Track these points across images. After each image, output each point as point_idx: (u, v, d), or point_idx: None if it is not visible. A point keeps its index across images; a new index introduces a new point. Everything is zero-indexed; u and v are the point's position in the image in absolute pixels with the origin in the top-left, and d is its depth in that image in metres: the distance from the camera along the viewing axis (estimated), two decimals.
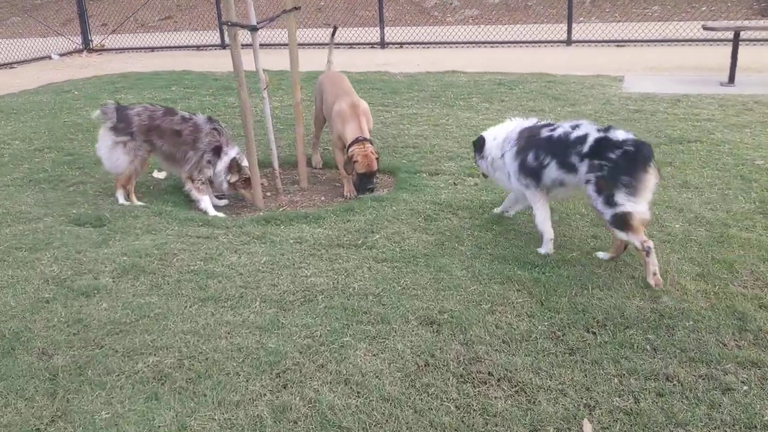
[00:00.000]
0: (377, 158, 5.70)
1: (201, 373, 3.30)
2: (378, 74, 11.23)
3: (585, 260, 4.30)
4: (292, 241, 4.80)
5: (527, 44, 14.22)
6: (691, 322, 3.55)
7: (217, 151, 5.62)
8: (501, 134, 4.78)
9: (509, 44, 14.37)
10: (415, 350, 3.42)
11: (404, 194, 5.60)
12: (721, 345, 3.36)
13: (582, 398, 3.02)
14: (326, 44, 6.96)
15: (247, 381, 3.23)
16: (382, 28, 15.13)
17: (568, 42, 13.88)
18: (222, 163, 5.61)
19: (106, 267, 4.48)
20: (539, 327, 3.59)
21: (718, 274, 4.04)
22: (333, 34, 6.89)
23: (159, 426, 2.95)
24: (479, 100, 8.98)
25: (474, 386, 3.14)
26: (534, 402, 3.01)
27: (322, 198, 5.89)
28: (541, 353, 3.36)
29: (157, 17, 21.45)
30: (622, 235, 4.07)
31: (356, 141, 5.64)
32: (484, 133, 4.97)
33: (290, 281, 4.20)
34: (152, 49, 16.52)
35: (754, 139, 6.64)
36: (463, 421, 2.91)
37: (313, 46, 13.65)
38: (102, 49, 16.72)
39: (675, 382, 3.09)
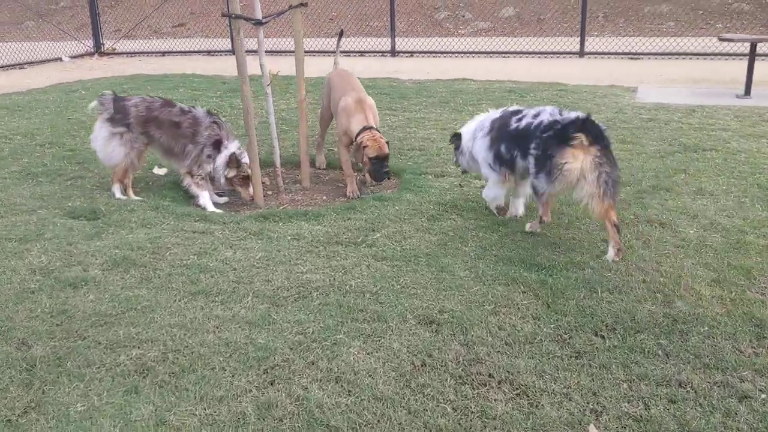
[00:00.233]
0: (387, 143, 5.53)
1: (185, 367, 3.13)
2: (387, 80, 11.10)
3: (594, 263, 4.11)
4: (289, 238, 4.63)
5: (539, 55, 14.08)
6: (706, 328, 3.35)
7: (217, 145, 5.45)
8: (472, 126, 5.04)
9: (521, 54, 14.23)
10: (412, 350, 3.24)
11: (408, 194, 5.43)
12: (737, 352, 3.15)
13: (588, 403, 2.83)
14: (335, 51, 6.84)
15: (232, 376, 3.06)
16: (392, 37, 15.04)
17: (581, 54, 13.72)
18: (221, 157, 5.43)
19: (96, 259, 4.33)
20: (545, 329, 3.40)
21: (735, 281, 3.84)
22: (339, 37, 6.83)
23: (135, 420, 2.77)
24: (489, 107, 8.79)
25: (473, 388, 2.95)
26: (537, 406, 2.82)
27: (324, 198, 5.72)
28: (546, 356, 3.17)
29: (170, 24, 21.48)
30: (534, 197, 4.60)
31: (364, 129, 5.50)
32: (462, 130, 5.15)
33: (285, 277, 4.03)
34: (163, 53, 16.49)
35: None
36: (460, 424, 2.72)
37: (322, 54, 13.59)
38: (113, 53, 16.71)
39: (688, 389, 2.89)
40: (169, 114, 5.45)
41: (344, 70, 6.45)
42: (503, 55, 14.34)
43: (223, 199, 5.74)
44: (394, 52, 14.99)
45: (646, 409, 2.78)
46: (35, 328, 3.50)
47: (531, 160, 4.38)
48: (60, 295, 3.86)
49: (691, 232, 4.55)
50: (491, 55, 14.44)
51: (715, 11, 17.40)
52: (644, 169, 5.88)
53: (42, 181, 6.07)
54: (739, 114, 7.95)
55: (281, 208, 5.42)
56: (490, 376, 3.03)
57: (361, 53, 15.08)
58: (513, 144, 4.58)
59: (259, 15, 5.42)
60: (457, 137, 5.19)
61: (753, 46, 9.13)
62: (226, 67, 13.05)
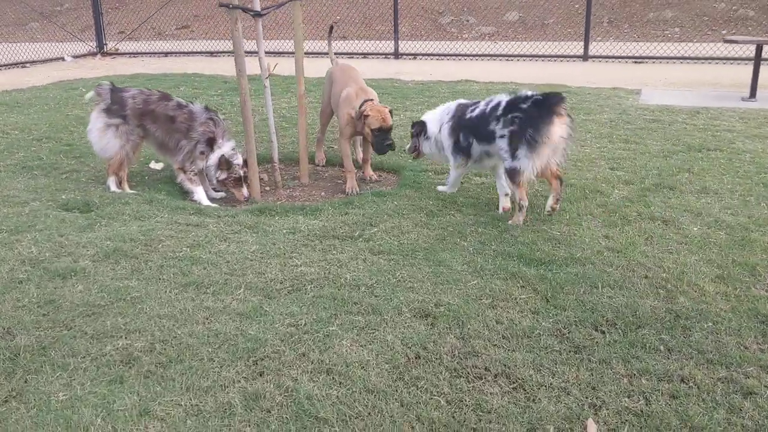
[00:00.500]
0: (390, 111, 5.46)
1: (172, 358, 3.04)
2: (390, 81, 11.03)
3: (595, 259, 4.01)
4: (285, 231, 4.54)
5: (543, 58, 14.00)
6: (710, 324, 3.25)
7: (211, 143, 5.31)
8: (438, 113, 5.20)
9: (524, 57, 14.16)
10: (407, 342, 3.14)
11: (407, 190, 5.34)
12: (742, 348, 3.06)
13: (587, 397, 2.73)
14: (337, 54, 6.76)
15: (220, 367, 2.97)
16: (396, 39, 14.98)
17: (585, 57, 13.64)
18: (213, 158, 5.29)
19: (87, 250, 4.24)
20: (543, 324, 3.30)
21: (740, 277, 3.74)
22: (330, 32, 6.74)
23: (118, 409, 2.68)
24: None
25: (468, 381, 2.86)
26: (533, 399, 2.72)
27: (323, 194, 5.63)
28: (544, 350, 3.08)
29: (174, 26, 21.47)
30: (510, 186, 4.68)
31: (365, 101, 5.44)
32: (424, 118, 5.33)
33: (279, 270, 3.94)
34: (165, 54, 16.46)
35: None
36: (453, 417, 2.63)
37: (324, 55, 13.52)
38: (116, 53, 16.68)
39: (691, 384, 2.79)
40: (165, 108, 5.35)
41: (346, 65, 6.37)
42: (507, 58, 14.27)
43: (220, 194, 5.64)
44: (397, 55, 14.93)
45: (646, 404, 2.68)
46: (21, 317, 3.42)
47: (502, 142, 4.58)
48: (48, 285, 3.78)
49: (695, 229, 4.45)
50: (495, 58, 14.37)
51: (720, 17, 17.32)
52: (647, 168, 5.79)
53: (37, 174, 5.99)
54: (744, 116, 7.85)
55: (278, 203, 5.33)
56: (486, 369, 2.94)
57: (365, 55, 15.02)
58: (471, 131, 4.87)
59: (257, 6, 5.34)
60: (420, 124, 5.33)
61: (759, 49, 9.03)
62: (228, 67, 12.98)
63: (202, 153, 5.31)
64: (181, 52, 16.44)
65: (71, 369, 2.98)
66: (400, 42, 15.10)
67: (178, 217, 4.85)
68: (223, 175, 5.32)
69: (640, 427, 2.55)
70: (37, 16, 22.11)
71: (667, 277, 3.76)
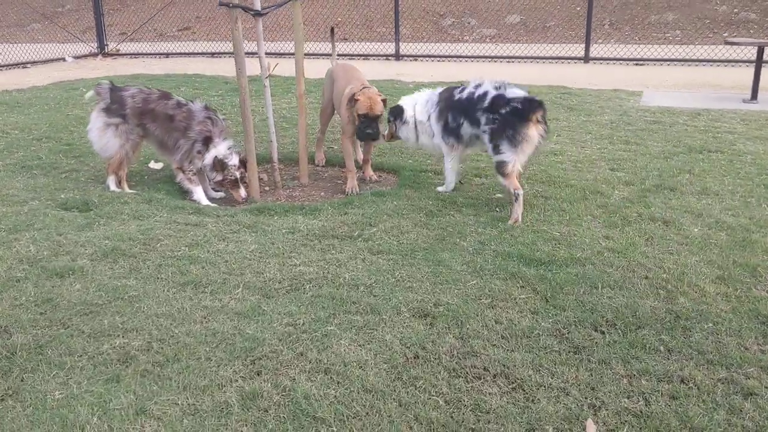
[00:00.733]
0: (383, 101, 5.43)
1: (169, 357, 3.02)
2: (390, 82, 11.02)
3: (596, 259, 3.99)
4: (284, 231, 4.53)
5: (544, 60, 13.99)
6: (710, 324, 3.23)
7: (207, 142, 5.28)
8: (421, 100, 5.33)
9: (526, 59, 14.14)
10: (405, 342, 3.13)
11: (407, 191, 5.33)
12: (742, 348, 3.04)
13: (586, 398, 2.71)
14: (339, 56, 6.77)
15: (218, 366, 2.95)
16: (397, 40, 14.98)
17: (586, 59, 13.63)
18: (209, 157, 5.26)
19: (85, 249, 4.23)
20: (542, 324, 3.29)
21: (740, 278, 3.72)
22: (332, 33, 6.78)
23: (115, 408, 2.66)
24: None
25: (467, 381, 2.84)
26: (532, 400, 2.71)
27: (322, 194, 5.62)
28: (543, 350, 3.06)
29: (176, 28, 21.47)
30: (501, 180, 4.77)
31: (365, 88, 5.47)
32: (401, 102, 5.44)
33: (277, 269, 3.92)
34: (167, 54, 16.46)
35: None
36: (452, 417, 2.61)
37: (325, 56, 13.52)
38: (117, 54, 16.68)
39: (691, 385, 2.77)
40: (164, 107, 5.33)
41: (347, 64, 6.36)
42: (508, 60, 14.25)
43: (219, 194, 5.62)
44: (398, 56, 14.93)
45: (646, 404, 2.66)
46: (18, 316, 3.40)
47: (485, 137, 4.81)
48: (46, 284, 3.76)
49: (696, 230, 4.44)
50: (496, 60, 14.35)
51: (721, 20, 17.30)
52: (648, 169, 5.77)
53: (36, 173, 5.98)
54: (745, 117, 7.84)
55: (278, 202, 5.32)
56: (484, 369, 2.92)
57: (365, 56, 15.01)
58: (459, 114, 5.02)
59: (258, 6, 5.33)
60: (398, 108, 5.45)
61: (760, 50, 9.02)
62: (229, 68, 12.97)
63: (199, 152, 5.29)
64: (182, 53, 16.44)
65: (68, 368, 2.96)
66: (401, 44, 15.09)
67: (177, 216, 4.84)
68: (218, 177, 5.29)
69: (640, 428, 2.53)
70: (38, 17, 22.12)
71: (667, 277, 3.74)
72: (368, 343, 3.13)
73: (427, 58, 14.86)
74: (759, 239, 4.23)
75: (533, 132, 4.62)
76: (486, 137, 4.79)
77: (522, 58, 14.22)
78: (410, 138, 5.44)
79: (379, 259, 4.05)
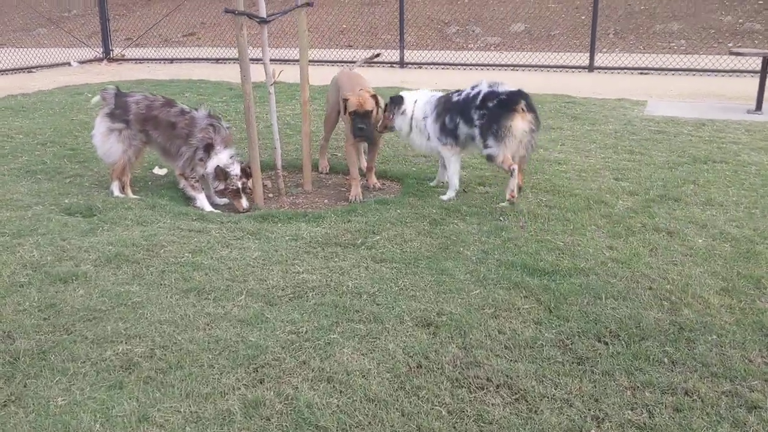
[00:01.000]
0: (374, 97, 5.54)
1: (172, 364, 3.02)
2: (394, 90, 11.00)
3: (599, 270, 3.99)
4: (287, 238, 4.53)
5: (548, 68, 13.99)
6: (714, 336, 3.22)
7: (209, 149, 5.27)
8: (422, 98, 5.48)
9: (530, 68, 14.15)
10: (408, 351, 3.12)
11: (411, 199, 5.33)
12: (747, 361, 3.03)
13: (590, 409, 2.70)
14: (341, 62, 6.83)
15: (220, 374, 2.95)
16: (401, 47, 15.00)
17: (590, 68, 13.63)
18: (210, 165, 5.25)
19: (89, 255, 4.23)
20: (546, 334, 3.28)
21: (745, 290, 3.71)
22: (372, 57, 7.24)
23: (117, 415, 2.66)
24: None
25: (470, 391, 2.83)
26: (536, 411, 2.70)
27: (326, 201, 5.62)
28: (547, 361, 3.05)
29: (181, 33, 21.54)
30: (495, 164, 5.13)
31: (361, 90, 5.59)
32: (403, 94, 5.57)
33: (281, 277, 3.93)
34: (171, 60, 16.50)
35: None
36: (455, 427, 2.60)
37: (330, 63, 13.58)
38: (122, 59, 16.74)
39: (695, 397, 2.76)
40: (167, 114, 5.34)
41: (352, 72, 6.38)
42: (512, 68, 14.26)
43: (223, 201, 5.61)
44: (402, 63, 14.95)
45: (650, 417, 2.65)
46: (21, 321, 3.41)
47: (476, 132, 5.10)
48: (49, 289, 3.77)
49: (700, 241, 4.43)
50: (500, 68, 14.36)
51: (726, 30, 17.30)
52: (652, 179, 5.76)
53: (40, 178, 5.99)
54: (750, 128, 7.83)
55: (281, 210, 5.32)
56: (488, 379, 2.91)
57: (370, 64, 15.02)
58: (456, 114, 5.24)
59: (263, 13, 5.35)
60: (399, 100, 5.55)
61: (765, 61, 9.01)
62: (234, 74, 13.00)
63: (201, 159, 5.29)
64: (186, 59, 16.49)
65: (71, 374, 2.97)
66: (405, 51, 15.12)
67: (181, 222, 4.85)
68: (220, 186, 5.28)
69: None
70: (44, 22, 22.19)
71: (671, 288, 3.73)
72: (371, 352, 3.12)
73: (431, 66, 14.88)
74: (763, 251, 4.22)
75: (519, 123, 4.90)
76: (477, 132, 5.09)
77: (526, 66, 14.22)
78: (403, 129, 5.58)
79: (383, 268, 4.05)
